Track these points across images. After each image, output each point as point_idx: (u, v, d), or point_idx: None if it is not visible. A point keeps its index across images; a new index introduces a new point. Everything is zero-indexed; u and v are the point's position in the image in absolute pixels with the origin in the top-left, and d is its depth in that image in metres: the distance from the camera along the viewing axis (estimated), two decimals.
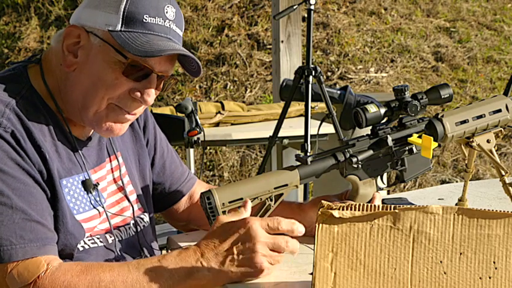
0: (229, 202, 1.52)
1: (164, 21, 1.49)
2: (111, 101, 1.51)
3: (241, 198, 1.53)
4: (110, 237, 1.60)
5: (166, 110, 3.86)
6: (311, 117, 3.38)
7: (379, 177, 1.67)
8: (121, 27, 1.46)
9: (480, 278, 1.21)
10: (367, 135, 1.65)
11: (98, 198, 1.58)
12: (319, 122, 3.49)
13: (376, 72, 6.83)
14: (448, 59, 7.00)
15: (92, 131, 1.61)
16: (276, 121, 3.54)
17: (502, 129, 1.64)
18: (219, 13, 7.55)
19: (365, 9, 7.58)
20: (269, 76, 6.69)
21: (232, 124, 3.90)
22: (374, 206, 1.25)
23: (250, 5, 7.60)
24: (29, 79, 1.53)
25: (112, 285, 1.37)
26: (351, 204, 1.26)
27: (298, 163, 1.59)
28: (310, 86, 3.40)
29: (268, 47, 6.97)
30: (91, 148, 1.62)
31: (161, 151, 1.83)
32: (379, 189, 1.68)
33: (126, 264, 1.41)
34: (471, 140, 1.62)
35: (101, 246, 1.57)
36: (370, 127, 1.64)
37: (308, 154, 2.62)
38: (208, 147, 5.83)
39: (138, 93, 1.50)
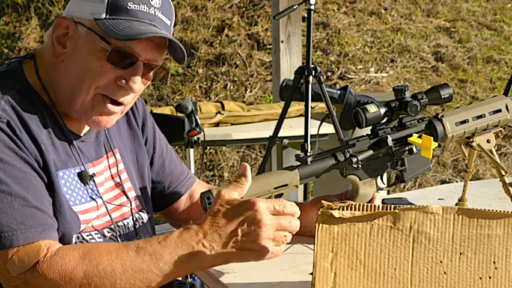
0: None
1: (149, 9, 1.51)
2: (98, 91, 1.51)
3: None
4: (108, 232, 1.60)
5: (166, 110, 3.86)
6: (311, 117, 3.38)
7: (379, 177, 1.67)
8: (106, 15, 1.49)
9: (480, 278, 1.21)
10: (367, 135, 1.65)
11: (95, 190, 1.59)
12: (319, 122, 3.49)
13: (376, 72, 6.83)
14: (448, 59, 7.00)
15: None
16: (276, 121, 3.54)
17: (502, 129, 1.64)
18: (219, 13, 7.55)
19: (365, 9, 7.58)
20: (269, 76, 6.70)
21: (232, 124, 3.90)
22: (374, 206, 1.25)
23: (250, 5, 7.60)
24: (24, 74, 1.55)
25: (109, 269, 1.35)
26: (351, 204, 1.26)
27: (298, 163, 1.59)
28: (310, 86, 3.40)
29: (268, 47, 6.97)
30: (88, 143, 1.63)
31: (161, 150, 1.83)
32: (379, 189, 1.68)
33: (125, 246, 1.39)
34: (471, 140, 1.62)
35: (99, 241, 1.57)
36: (370, 127, 1.64)
37: (308, 154, 2.62)
38: (208, 147, 5.83)
39: (124, 81, 1.51)
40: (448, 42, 7.23)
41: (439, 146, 1.59)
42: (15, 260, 1.37)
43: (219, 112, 3.83)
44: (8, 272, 1.38)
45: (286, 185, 1.57)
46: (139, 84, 1.53)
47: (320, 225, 1.25)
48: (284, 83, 3.91)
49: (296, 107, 4.02)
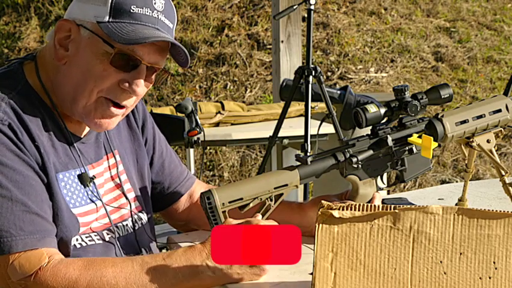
0: (229, 202, 1.52)
1: (152, 12, 1.50)
2: (101, 94, 1.51)
3: (241, 198, 1.53)
4: (108, 234, 1.60)
5: (166, 110, 3.86)
6: (311, 117, 3.38)
7: (379, 177, 1.67)
8: (109, 18, 1.48)
9: (480, 278, 1.21)
10: (367, 135, 1.65)
11: (95, 192, 1.59)
12: (319, 122, 3.49)
13: (376, 72, 6.83)
14: (448, 59, 7.00)
15: None
16: (276, 121, 3.54)
17: (502, 129, 1.64)
18: (219, 13, 7.55)
19: (365, 9, 7.58)
20: (269, 76, 6.69)
21: (232, 124, 3.90)
22: (374, 206, 1.25)
23: (250, 5, 7.59)
24: (25, 75, 1.55)
25: (114, 281, 1.37)
26: (351, 204, 1.26)
27: (298, 163, 1.59)
28: (310, 86, 3.40)
29: (268, 47, 6.97)
30: (88, 144, 1.62)
31: (160, 150, 1.83)
32: (379, 189, 1.68)
33: (130, 260, 1.41)
34: (471, 140, 1.62)
35: (98, 243, 1.57)
36: (370, 127, 1.64)
37: (308, 154, 2.62)
38: (208, 147, 5.83)
39: (127, 84, 1.51)
40: (447, 42, 7.23)
41: (439, 146, 1.58)
42: (16, 265, 1.37)
43: (219, 112, 3.83)
44: (9, 277, 1.38)
45: (286, 185, 1.57)
46: (142, 88, 1.53)
47: (320, 225, 1.25)
48: (284, 83, 3.91)
49: (296, 107, 4.02)
